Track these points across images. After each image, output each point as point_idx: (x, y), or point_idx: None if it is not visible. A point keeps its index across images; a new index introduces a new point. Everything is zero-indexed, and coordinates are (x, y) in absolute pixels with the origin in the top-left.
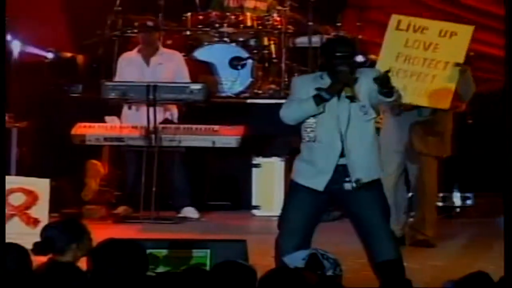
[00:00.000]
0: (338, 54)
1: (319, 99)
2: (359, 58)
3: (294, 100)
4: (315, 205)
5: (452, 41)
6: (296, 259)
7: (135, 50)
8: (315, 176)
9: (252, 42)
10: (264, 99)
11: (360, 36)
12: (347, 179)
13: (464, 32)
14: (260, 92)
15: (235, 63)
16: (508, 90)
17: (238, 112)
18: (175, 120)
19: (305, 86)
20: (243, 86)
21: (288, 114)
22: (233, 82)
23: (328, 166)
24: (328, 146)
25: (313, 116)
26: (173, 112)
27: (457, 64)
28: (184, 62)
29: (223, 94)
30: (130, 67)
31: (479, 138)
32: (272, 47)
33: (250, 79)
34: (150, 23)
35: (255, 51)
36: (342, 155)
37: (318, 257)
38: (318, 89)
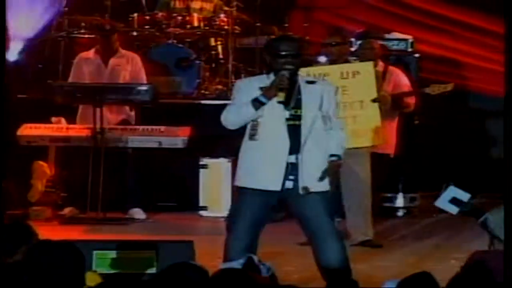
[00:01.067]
0: (282, 53)
1: (257, 103)
2: (322, 59)
3: (234, 105)
4: (266, 206)
5: (358, 80)
6: (235, 265)
7: (92, 50)
8: (266, 176)
9: (199, 43)
10: (211, 100)
11: (307, 37)
12: (291, 177)
13: (366, 69)
14: (207, 93)
15: (182, 63)
16: (509, 91)
17: (185, 113)
18: (133, 122)
19: (249, 88)
20: (190, 87)
21: (228, 118)
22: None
23: (278, 164)
24: (275, 144)
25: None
26: (130, 113)
27: (374, 100)
28: (142, 64)
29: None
30: (87, 68)
31: (426, 139)
32: (219, 47)
33: (197, 80)
34: (108, 26)
35: (202, 52)
36: (290, 152)
37: (254, 261)
38: (261, 88)
